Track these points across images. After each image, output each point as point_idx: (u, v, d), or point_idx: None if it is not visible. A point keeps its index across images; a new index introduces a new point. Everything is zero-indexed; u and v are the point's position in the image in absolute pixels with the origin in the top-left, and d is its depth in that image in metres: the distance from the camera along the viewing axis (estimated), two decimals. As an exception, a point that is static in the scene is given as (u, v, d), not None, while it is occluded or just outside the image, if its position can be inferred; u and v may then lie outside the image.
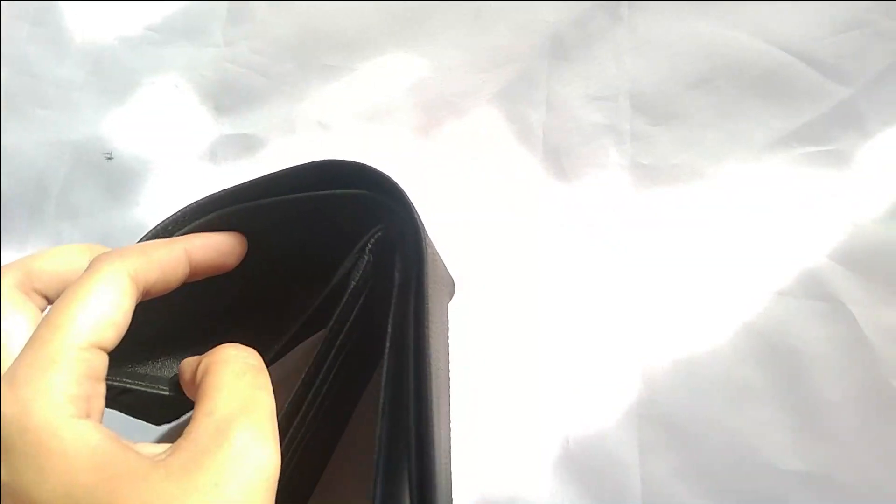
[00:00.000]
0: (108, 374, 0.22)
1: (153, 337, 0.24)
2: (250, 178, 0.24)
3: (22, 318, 0.20)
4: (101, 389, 0.19)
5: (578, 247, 0.35)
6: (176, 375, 0.23)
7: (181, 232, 0.24)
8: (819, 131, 0.35)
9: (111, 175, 0.38)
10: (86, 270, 0.20)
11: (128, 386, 0.23)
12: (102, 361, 0.19)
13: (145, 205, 0.38)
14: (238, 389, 0.19)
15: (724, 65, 0.36)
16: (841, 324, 0.33)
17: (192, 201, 0.24)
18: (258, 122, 0.38)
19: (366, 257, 0.24)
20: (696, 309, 0.34)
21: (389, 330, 0.23)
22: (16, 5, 0.42)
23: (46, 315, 0.18)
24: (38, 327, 0.18)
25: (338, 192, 0.24)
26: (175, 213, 0.24)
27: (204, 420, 0.18)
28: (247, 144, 0.38)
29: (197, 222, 0.24)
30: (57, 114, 0.40)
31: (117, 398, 0.24)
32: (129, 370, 0.24)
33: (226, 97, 0.39)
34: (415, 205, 0.24)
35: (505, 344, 0.34)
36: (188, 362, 0.22)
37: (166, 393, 0.23)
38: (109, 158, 0.38)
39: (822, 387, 0.32)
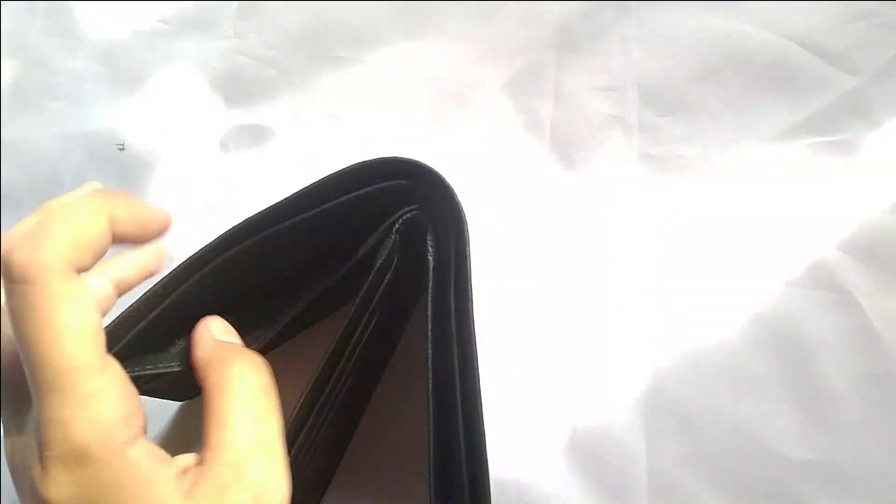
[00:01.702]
0: (137, 366, 0.22)
1: (169, 321, 0.24)
2: (282, 199, 0.24)
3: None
4: (139, 401, 0.19)
5: (587, 237, 0.35)
6: (184, 350, 0.23)
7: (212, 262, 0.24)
8: (827, 121, 0.35)
9: (123, 166, 0.39)
10: (26, 281, 0.17)
11: (155, 373, 0.23)
12: (119, 365, 0.19)
13: (157, 195, 0.38)
14: (253, 418, 0.20)
15: (732, 56, 0.36)
16: (848, 314, 0.33)
17: (228, 229, 0.24)
18: (268, 113, 0.39)
19: (392, 236, 0.25)
20: (703, 299, 0.34)
21: (430, 312, 0.24)
22: (29, -1, 0.42)
23: (36, 348, 0.17)
24: (47, 363, 0.17)
25: (369, 189, 0.24)
26: (212, 243, 0.24)
27: (222, 452, 0.19)
28: (256, 135, 0.39)
29: (234, 250, 0.24)
30: (70, 106, 0.40)
31: (144, 385, 0.24)
32: (151, 357, 0.24)
33: (236, 88, 0.39)
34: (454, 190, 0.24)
35: (513, 332, 0.34)
36: (201, 340, 0.22)
37: (176, 370, 0.23)
38: (121, 149, 0.39)
39: (829, 376, 0.32)
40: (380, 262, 0.25)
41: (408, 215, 0.25)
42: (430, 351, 0.24)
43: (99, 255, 0.19)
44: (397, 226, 0.25)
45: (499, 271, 0.35)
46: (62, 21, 0.41)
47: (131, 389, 0.18)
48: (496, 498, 0.32)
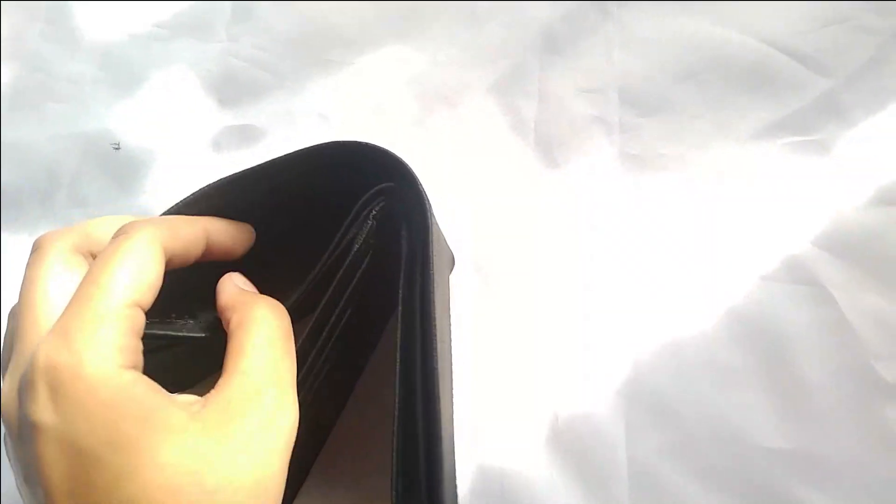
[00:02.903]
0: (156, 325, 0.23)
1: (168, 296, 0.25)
2: (255, 164, 0.25)
3: (76, 278, 0.20)
4: (141, 346, 0.20)
5: (569, 234, 0.36)
6: (210, 319, 0.24)
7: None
8: (802, 122, 0.36)
9: (119, 165, 0.40)
10: (119, 235, 0.21)
11: (174, 335, 0.23)
12: (142, 319, 0.20)
13: (151, 193, 0.39)
14: (271, 354, 0.20)
15: (710, 58, 0.37)
16: (823, 307, 0.33)
17: (202, 187, 0.25)
18: (260, 114, 0.40)
19: (370, 222, 0.26)
20: (682, 293, 0.35)
21: (400, 295, 0.25)
22: (30, 5, 0.43)
23: (87, 274, 0.19)
24: (82, 285, 0.19)
25: (340, 167, 0.25)
26: (186, 198, 0.25)
27: (238, 378, 0.19)
28: (249, 135, 0.40)
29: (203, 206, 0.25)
30: (68, 107, 0.41)
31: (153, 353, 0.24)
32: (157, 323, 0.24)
33: (229, 90, 0.40)
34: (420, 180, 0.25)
35: (496, 326, 0.35)
36: (225, 289, 0.23)
37: (200, 335, 0.24)
38: (117, 149, 0.40)
39: (805, 368, 0.33)
40: (357, 246, 0.25)
41: (383, 203, 0.26)
42: (398, 339, 0.24)
43: (191, 253, 0.23)
44: (374, 212, 0.26)
45: (482, 267, 0.36)
46: (61, 26, 0.42)
47: (138, 340, 0.19)
48: (479, 485, 0.33)
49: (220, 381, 0.19)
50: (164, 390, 0.19)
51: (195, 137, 0.40)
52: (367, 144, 0.25)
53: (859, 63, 0.36)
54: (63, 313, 0.18)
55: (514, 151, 0.38)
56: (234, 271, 0.26)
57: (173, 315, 0.25)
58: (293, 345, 0.22)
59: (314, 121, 0.39)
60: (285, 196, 0.26)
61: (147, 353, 0.20)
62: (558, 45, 0.39)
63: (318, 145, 0.25)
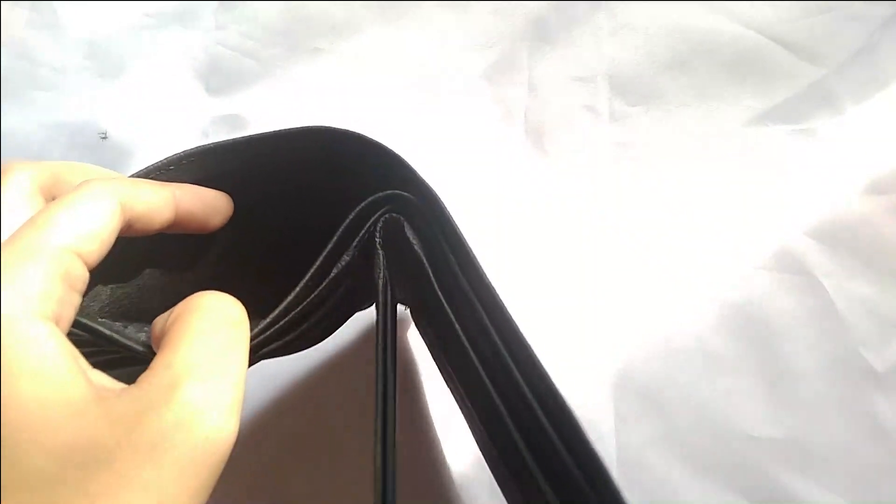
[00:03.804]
0: (86, 316, 0.20)
1: (136, 300, 0.24)
2: (247, 134, 0.23)
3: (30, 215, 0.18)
4: (75, 300, 0.17)
5: (559, 223, 0.36)
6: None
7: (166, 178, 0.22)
8: (793, 110, 0.36)
9: (105, 154, 0.39)
10: (76, 187, 0.18)
11: (103, 331, 0.21)
12: (81, 270, 0.17)
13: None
14: (207, 345, 0.17)
15: (701, 47, 0.37)
16: (813, 296, 0.34)
17: (175, 153, 0.23)
18: (247, 103, 0.39)
19: (379, 252, 0.24)
20: (672, 282, 0.35)
21: (444, 302, 0.22)
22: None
23: (30, 218, 0.17)
24: (20, 226, 0.17)
25: (336, 166, 0.23)
26: (163, 160, 0.22)
27: (160, 371, 0.16)
28: (236, 124, 0.39)
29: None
30: (54, 96, 0.41)
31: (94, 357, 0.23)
32: (108, 322, 0.22)
33: (216, 79, 0.40)
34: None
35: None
36: (160, 316, 0.19)
37: (139, 349, 0.21)
38: (104, 138, 0.39)
39: (794, 357, 0.33)
40: (380, 282, 0.23)
41: (380, 223, 0.24)
42: (465, 341, 0.22)
43: (155, 218, 0.20)
44: (378, 241, 0.24)
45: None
46: (47, 14, 0.42)
47: (71, 292, 0.17)
48: (472, 472, 0.33)
49: (141, 375, 0.16)
50: (82, 359, 0.16)
51: (183, 126, 0.39)
52: (369, 140, 0.22)
53: (849, 51, 0.36)
54: (8, 244, 0.16)
55: (504, 140, 0.38)
56: (213, 257, 0.25)
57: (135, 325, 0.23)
58: (245, 340, 0.18)
59: (301, 110, 0.39)
60: (267, 179, 0.25)
61: (99, 363, 0.18)
62: (549, 34, 0.39)
63: (309, 127, 0.22)
